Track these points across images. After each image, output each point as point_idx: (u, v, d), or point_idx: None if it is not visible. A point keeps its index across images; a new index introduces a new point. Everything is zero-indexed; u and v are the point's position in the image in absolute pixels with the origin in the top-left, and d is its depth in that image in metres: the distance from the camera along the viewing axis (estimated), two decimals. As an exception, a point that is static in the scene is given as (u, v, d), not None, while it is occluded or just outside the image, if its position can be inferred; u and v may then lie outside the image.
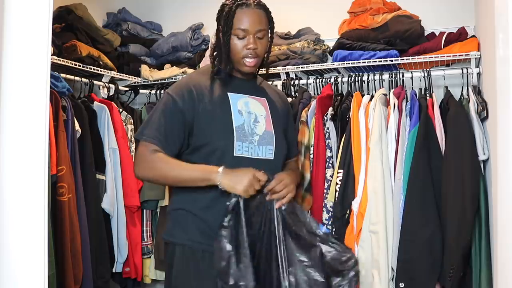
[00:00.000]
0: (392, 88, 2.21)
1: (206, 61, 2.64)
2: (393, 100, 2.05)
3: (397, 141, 1.97)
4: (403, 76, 2.24)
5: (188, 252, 1.53)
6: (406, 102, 2.08)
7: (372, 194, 1.90)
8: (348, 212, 1.95)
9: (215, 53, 1.65)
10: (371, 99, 2.08)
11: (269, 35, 1.63)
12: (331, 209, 2.00)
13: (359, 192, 1.93)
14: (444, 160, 1.89)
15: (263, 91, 1.73)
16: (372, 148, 1.94)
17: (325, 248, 1.52)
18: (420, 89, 2.20)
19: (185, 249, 1.52)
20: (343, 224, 1.95)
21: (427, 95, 2.12)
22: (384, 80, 2.27)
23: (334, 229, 1.97)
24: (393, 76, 2.25)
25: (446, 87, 2.17)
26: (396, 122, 2.00)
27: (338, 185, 1.96)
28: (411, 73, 2.25)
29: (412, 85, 2.23)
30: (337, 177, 1.98)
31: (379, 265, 1.85)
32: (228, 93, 1.61)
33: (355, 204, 1.92)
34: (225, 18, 1.57)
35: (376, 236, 1.86)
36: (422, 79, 2.21)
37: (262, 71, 1.71)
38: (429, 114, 1.96)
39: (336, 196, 1.96)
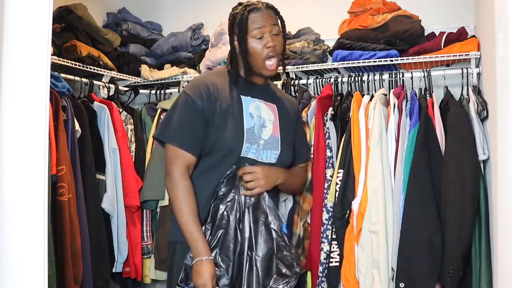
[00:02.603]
0: (392, 88, 2.21)
1: (206, 61, 2.64)
2: (393, 100, 2.05)
3: (397, 141, 1.97)
4: (403, 76, 2.24)
5: (188, 249, 1.53)
6: (406, 102, 2.08)
7: (372, 194, 1.90)
8: (348, 212, 1.95)
9: (232, 61, 1.67)
10: (371, 99, 2.08)
11: (282, 33, 1.66)
12: (331, 209, 1.99)
13: (359, 192, 1.93)
14: (444, 160, 1.89)
15: (274, 96, 1.75)
16: (372, 148, 1.94)
17: (276, 247, 1.54)
18: (420, 89, 2.20)
19: (185, 247, 1.52)
20: (343, 224, 1.95)
21: (427, 95, 2.12)
22: (384, 80, 2.27)
23: (334, 229, 1.97)
24: (393, 76, 2.25)
25: (446, 87, 2.17)
26: (396, 122, 2.00)
27: (338, 185, 1.96)
28: (411, 73, 2.25)
29: (412, 85, 2.23)
30: (337, 177, 1.98)
31: (379, 265, 1.84)
32: (241, 96, 1.64)
33: (355, 204, 1.92)
34: (239, 25, 1.61)
35: (376, 236, 1.86)
36: (422, 79, 2.22)
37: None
38: (429, 114, 1.96)
39: (336, 196, 1.96)
